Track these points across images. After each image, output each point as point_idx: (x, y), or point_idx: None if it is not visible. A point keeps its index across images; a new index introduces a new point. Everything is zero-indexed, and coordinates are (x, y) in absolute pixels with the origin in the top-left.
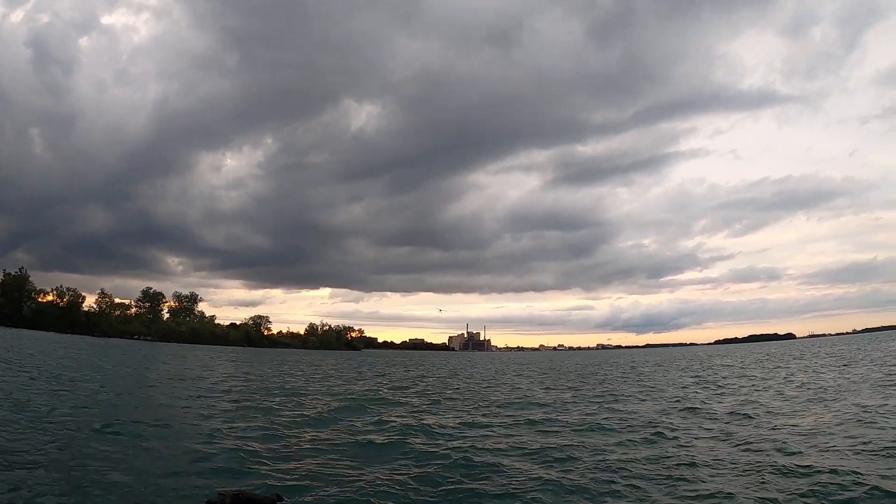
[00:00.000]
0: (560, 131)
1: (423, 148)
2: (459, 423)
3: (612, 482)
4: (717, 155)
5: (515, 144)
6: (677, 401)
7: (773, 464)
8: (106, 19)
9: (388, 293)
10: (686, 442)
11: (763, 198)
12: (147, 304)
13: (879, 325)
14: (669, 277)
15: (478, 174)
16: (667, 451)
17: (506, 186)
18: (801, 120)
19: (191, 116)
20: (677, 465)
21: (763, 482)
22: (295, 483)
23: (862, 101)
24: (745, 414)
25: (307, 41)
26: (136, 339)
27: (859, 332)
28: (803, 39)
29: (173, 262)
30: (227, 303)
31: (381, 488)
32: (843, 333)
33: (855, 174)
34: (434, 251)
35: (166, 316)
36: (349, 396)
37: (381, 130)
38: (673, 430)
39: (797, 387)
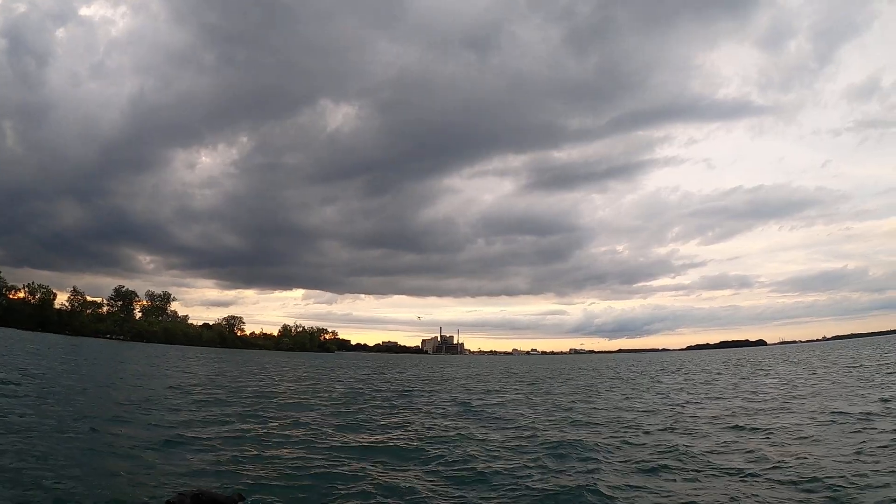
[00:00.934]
0: (536, 137)
1: (399, 151)
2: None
3: None
4: (690, 163)
5: (491, 149)
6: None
7: None
8: (84, 11)
9: (362, 295)
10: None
11: (736, 206)
12: (119, 303)
13: (849, 333)
14: (642, 283)
15: (453, 178)
16: None
17: (480, 190)
18: (774, 131)
19: (166, 112)
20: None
21: None
22: (255, 482)
23: (835, 114)
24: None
25: (286, 41)
26: (108, 338)
27: (829, 339)
28: (779, 52)
29: (145, 260)
30: (200, 303)
31: (342, 487)
32: (813, 340)
33: (827, 185)
34: (408, 254)
35: (138, 315)
36: (315, 397)
37: (357, 132)
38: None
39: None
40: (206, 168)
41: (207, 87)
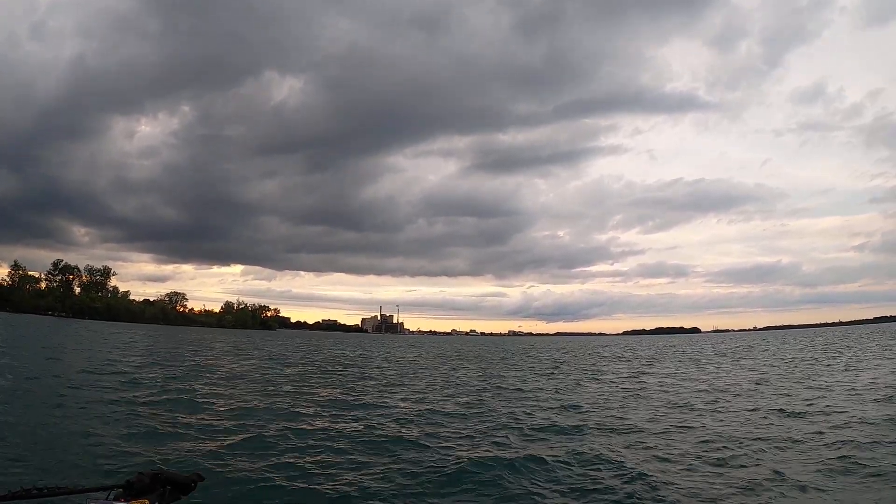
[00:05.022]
0: (481, 119)
1: (343, 126)
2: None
3: None
4: (634, 153)
5: (436, 129)
6: None
7: None
8: None
9: (301, 272)
10: None
11: (676, 198)
12: (58, 278)
13: (780, 324)
14: (581, 269)
15: (396, 157)
16: None
17: (423, 170)
18: (718, 127)
19: (107, 78)
20: None
21: None
22: (213, 462)
23: (779, 115)
24: None
25: (233, 10)
26: (50, 314)
27: (760, 329)
28: (729, 52)
29: (79, 232)
30: (136, 277)
31: (298, 469)
32: (745, 330)
33: (766, 182)
34: (348, 232)
35: (77, 290)
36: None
37: (302, 106)
38: None
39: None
40: (145, 137)
41: (151, 54)
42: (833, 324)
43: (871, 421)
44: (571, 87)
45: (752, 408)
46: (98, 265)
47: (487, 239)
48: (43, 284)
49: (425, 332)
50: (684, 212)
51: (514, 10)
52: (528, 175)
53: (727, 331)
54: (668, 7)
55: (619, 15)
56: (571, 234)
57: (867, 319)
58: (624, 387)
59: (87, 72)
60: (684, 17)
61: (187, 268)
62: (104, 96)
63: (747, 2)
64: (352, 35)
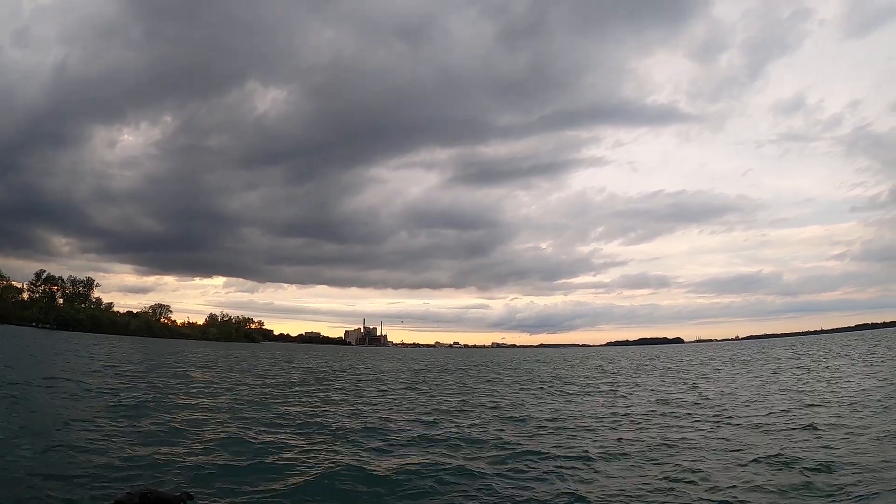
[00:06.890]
0: (463, 131)
1: (326, 138)
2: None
3: None
4: (615, 165)
5: (418, 141)
6: None
7: None
8: None
9: (284, 284)
10: None
11: (658, 209)
12: (41, 288)
13: (762, 333)
14: (564, 280)
15: (378, 168)
16: None
17: (406, 182)
18: (700, 138)
19: (89, 86)
20: None
21: None
22: (203, 481)
23: (760, 126)
24: None
25: (216, 18)
26: (35, 326)
27: (742, 338)
28: (711, 64)
29: (60, 242)
30: (117, 288)
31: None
32: (727, 339)
33: (747, 193)
34: (330, 244)
35: (60, 301)
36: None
37: (285, 117)
38: None
39: None
40: (127, 147)
41: (134, 62)
42: (815, 332)
43: None
44: (554, 99)
45: None
46: (79, 276)
47: (470, 251)
48: (25, 295)
49: (409, 344)
50: (666, 223)
51: (497, 20)
52: (510, 187)
53: (710, 340)
54: (651, 19)
55: (602, 26)
56: (554, 245)
57: (849, 327)
58: None
59: (70, 79)
60: (666, 29)
61: (169, 279)
62: (86, 104)
63: (729, 14)
64: (335, 45)
